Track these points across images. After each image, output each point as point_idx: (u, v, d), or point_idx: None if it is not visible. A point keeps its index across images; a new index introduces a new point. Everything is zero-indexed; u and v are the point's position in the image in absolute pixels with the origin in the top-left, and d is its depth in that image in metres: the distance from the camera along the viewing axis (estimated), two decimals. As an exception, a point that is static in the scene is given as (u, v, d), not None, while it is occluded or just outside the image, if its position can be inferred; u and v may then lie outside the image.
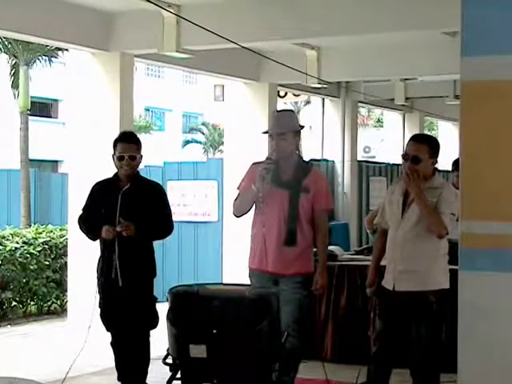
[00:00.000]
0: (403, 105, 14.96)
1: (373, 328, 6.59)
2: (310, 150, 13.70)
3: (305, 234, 5.81)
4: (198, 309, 4.81)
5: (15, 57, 18.45)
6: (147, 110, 39.91)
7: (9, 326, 10.79)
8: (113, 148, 6.19)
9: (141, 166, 6.35)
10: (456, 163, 6.97)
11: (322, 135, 14.61)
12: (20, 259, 11.03)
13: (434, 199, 5.49)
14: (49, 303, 11.89)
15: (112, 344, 6.27)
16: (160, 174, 12.78)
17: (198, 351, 4.70)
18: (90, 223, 6.21)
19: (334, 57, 11.26)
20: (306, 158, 6.18)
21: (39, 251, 11.36)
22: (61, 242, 11.59)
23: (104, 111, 9.42)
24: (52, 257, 11.59)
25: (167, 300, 4.92)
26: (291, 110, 6.57)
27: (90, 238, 6.28)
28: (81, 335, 7.00)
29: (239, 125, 11.83)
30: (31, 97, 19.34)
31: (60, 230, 12.02)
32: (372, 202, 14.87)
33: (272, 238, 5.76)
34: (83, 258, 8.83)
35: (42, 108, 33.18)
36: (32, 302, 11.69)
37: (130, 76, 9.62)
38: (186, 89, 42.37)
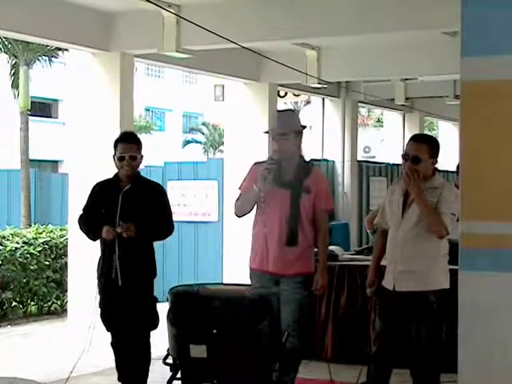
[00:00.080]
0: (403, 105, 14.96)
1: (373, 328, 6.59)
2: (310, 149, 13.70)
3: (306, 234, 5.81)
4: (198, 309, 4.81)
5: (15, 57, 18.45)
6: (147, 110, 39.93)
7: (9, 326, 10.79)
8: (113, 148, 6.19)
9: (141, 166, 6.34)
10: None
11: (322, 135, 14.61)
12: (20, 259, 11.03)
13: (434, 199, 5.50)
14: (49, 303, 11.89)
15: (112, 344, 6.27)
16: (160, 174, 12.78)
17: (198, 351, 4.70)
18: (90, 223, 6.21)
19: (334, 57, 11.26)
20: (307, 158, 6.17)
21: (39, 251, 11.36)
22: (61, 242, 11.60)
23: (104, 111, 9.42)
24: (52, 257, 11.60)
25: (167, 300, 4.92)
26: (293, 110, 6.57)
27: (90, 238, 6.28)
28: (81, 335, 7.01)
29: (239, 125, 11.84)
30: (31, 97, 19.35)
31: (60, 230, 12.02)
32: (372, 202, 14.87)
33: (273, 238, 5.76)
34: (83, 258, 8.84)
35: (42, 108, 33.18)
36: (32, 302, 11.69)
37: (130, 76, 9.62)
38: (186, 89, 42.38)
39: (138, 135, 6.50)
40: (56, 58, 19.87)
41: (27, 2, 8.35)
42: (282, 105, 15.56)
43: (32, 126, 20.38)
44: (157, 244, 6.30)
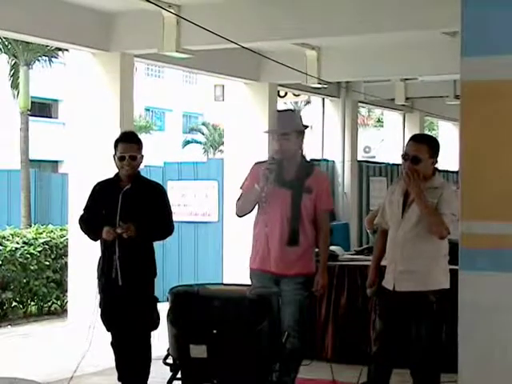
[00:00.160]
0: (403, 105, 14.95)
1: (373, 328, 6.59)
2: (310, 149, 13.70)
3: (307, 234, 5.81)
4: (198, 309, 4.81)
5: (15, 57, 18.45)
6: (147, 110, 39.93)
7: (9, 326, 10.79)
8: (114, 148, 6.19)
9: (141, 166, 6.34)
10: None
11: (322, 135, 14.61)
12: (20, 259, 11.03)
13: (434, 200, 5.49)
14: (49, 303, 11.88)
15: (112, 344, 6.27)
16: (160, 174, 12.77)
17: (198, 351, 4.70)
18: (90, 223, 6.21)
19: (334, 57, 11.26)
20: (307, 158, 6.17)
21: (39, 251, 11.36)
22: (61, 242, 11.59)
23: (104, 111, 9.42)
24: (52, 257, 11.59)
25: (167, 300, 4.92)
26: (295, 110, 6.57)
27: (91, 238, 6.28)
28: (81, 335, 7.01)
29: (239, 125, 11.83)
30: (31, 97, 19.35)
31: (60, 230, 12.02)
32: (372, 202, 14.87)
33: (274, 237, 5.76)
34: (83, 258, 8.84)
35: (42, 108, 33.18)
36: (32, 303, 11.68)
37: (130, 76, 9.62)
38: (186, 89, 42.38)
39: (138, 135, 6.50)
40: (56, 58, 19.88)
41: (27, 2, 8.35)
42: (282, 105, 15.56)
43: (32, 126, 20.38)
44: (157, 244, 6.30)
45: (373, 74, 12.17)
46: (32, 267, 11.22)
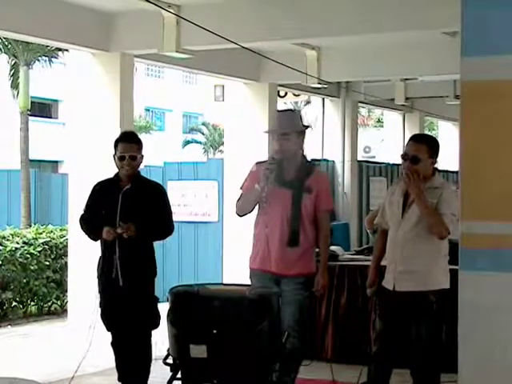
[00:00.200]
0: (403, 105, 14.95)
1: (373, 328, 6.59)
2: (310, 149, 13.70)
3: (307, 234, 5.81)
4: (198, 309, 4.81)
5: (15, 57, 18.46)
6: (147, 110, 39.93)
7: (9, 326, 10.79)
8: (114, 148, 6.19)
9: (141, 166, 6.34)
10: None
11: (322, 135, 14.61)
12: (20, 259, 11.03)
13: (434, 200, 5.49)
14: (49, 303, 11.89)
15: (112, 344, 6.27)
16: (160, 174, 12.78)
17: (198, 351, 4.70)
18: (91, 223, 6.21)
19: (334, 57, 11.26)
20: (308, 158, 6.17)
21: (39, 251, 11.36)
22: (61, 243, 11.60)
23: (104, 111, 9.42)
24: (52, 257, 11.60)
25: (167, 300, 4.92)
26: (295, 110, 6.56)
27: (91, 238, 6.28)
28: (81, 336, 7.00)
29: (239, 125, 11.83)
30: (31, 97, 19.35)
31: (60, 230, 12.02)
32: (372, 202, 14.87)
33: (275, 238, 5.75)
34: (83, 258, 8.84)
35: (42, 108, 33.19)
36: (32, 303, 11.69)
37: (130, 76, 9.62)
38: (186, 89, 42.38)
39: (138, 135, 6.50)
40: (56, 58, 19.88)
41: (27, 2, 8.35)
42: (282, 105, 15.55)
43: (32, 126, 20.39)
44: (157, 244, 6.30)
45: (373, 74, 12.16)
46: (32, 267, 11.22)
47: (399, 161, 5.74)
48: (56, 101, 33.58)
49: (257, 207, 5.88)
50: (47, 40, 9.41)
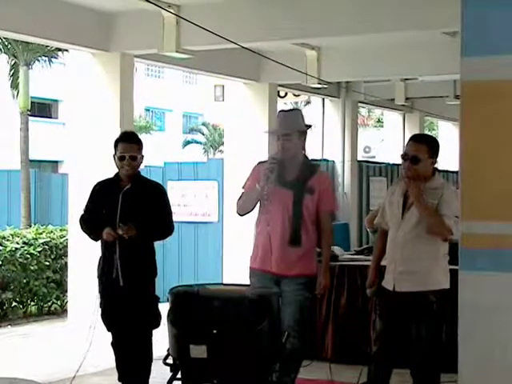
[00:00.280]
0: (403, 105, 14.95)
1: (373, 328, 6.59)
2: (310, 150, 13.69)
3: (309, 234, 5.79)
4: (198, 309, 4.80)
5: (15, 57, 18.45)
6: (147, 110, 39.93)
7: (9, 326, 10.78)
8: (114, 148, 6.19)
9: (141, 167, 6.34)
10: None
11: (322, 135, 14.61)
12: (20, 260, 11.03)
13: (435, 201, 5.48)
14: (49, 304, 11.88)
15: (112, 344, 6.27)
16: (160, 175, 12.78)
17: (198, 351, 4.70)
18: (91, 224, 6.21)
19: (334, 57, 11.26)
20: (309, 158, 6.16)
21: (39, 252, 11.36)
22: (61, 243, 11.59)
23: (104, 111, 9.43)
24: (52, 257, 11.59)
25: (167, 300, 4.92)
26: (297, 110, 6.53)
27: (91, 238, 6.28)
28: (81, 336, 7.00)
29: (239, 125, 11.84)
30: (31, 97, 19.35)
31: (60, 230, 12.02)
32: (372, 202, 14.88)
33: (276, 237, 5.74)
34: (83, 258, 8.84)
35: (42, 108, 33.19)
36: (32, 303, 11.68)
37: (130, 76, 9.63)
38: (186, 89, 42.38)
39: (138, 135, 6.50)
40: (56, 58, 19.88)
41: (27, 2, 8.35)
42: (282, 105, 15.56)
43: (32, 126, 20.39)
44: (157, 244, 6.30)
45: (373, 74, 12.17)
46: (32, 267, 11.22)
47: (399, 161, 5.74)
48: (56, 101, 33.58)
49: (258, 207, 5.87)
50: (47, 40, 9.41)
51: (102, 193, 6.24)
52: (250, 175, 5.93)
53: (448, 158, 13.61)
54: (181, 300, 4.89)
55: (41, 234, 11.74)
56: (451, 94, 14.36)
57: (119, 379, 6.25)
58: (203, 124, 40.42)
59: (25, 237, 11.41)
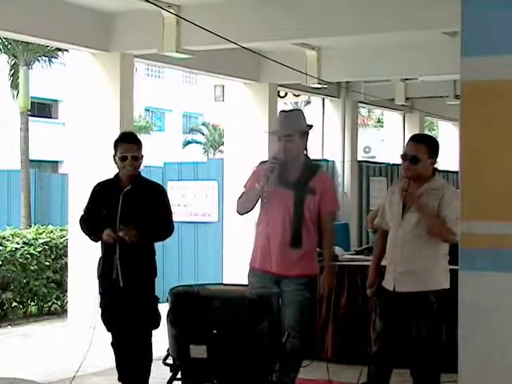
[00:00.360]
0: (403, 105, 14.96)
1: (373, 328, 6.58)
2: (310, 150, 13.69)
3: (310, 235, 5.78)
4: (198, 309, 4.80)
5: (15, 57, 18.46)
6: (147, 110, 39.94)
7: (9, 326, 10.79)
8: (114, 148, 6.18)
9: (141, 167, 6.34)
10: None
11: (322, 135, 14.61)
12: (20, 260, 11.03)
13: (435, 202, 5.48)
14: (49, 304, 11.89)
15: (112, 344, 6.27)
16: (160, 175, 12.78)
17: (198, 351, 4.70)
18: (91, 224, 6.21)
19: (334, 57, 11.26)
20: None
21: (39, 252, 11.36)
22: (61, 243, 11.60)
23: (104, 111, 9.43)
24: (52, 257, 11.60)
25: (167, 300, 4.92)
26: (299, 110, 6.53)
27: (91, 239, 6.27)
28: (81, 336, 7.00)
29: (239, 125, 11.84)
30: (31, 97, 19.35)
31: (60, 230, 12.02)
32: (372, 202, 14.88)
33: (276, 237, 5.73)
34: (83, 258, 8.84)
35: (42, 108, 33.20)
36: (32, 303, 11.69)
37: (130, 76, 9.63)
38: (186, 89, 42.39)
39: (138, 135, 6.50)
40: (56, 58, 19.88)
41: (27, 2, 8.35)
42: (282, 105, 15.57)
43: (32, 126, 20.39)
44: (157, 244, 6.30)
45: (373, 74, 12.17)
46: (32, 267, 11.22)
47: (399, 161, 5.74)
48: (56, 101, 33.59)
49: (259, 207, 5.87)
50: (47, 40, 9.41)
51: (102, 193, 6.24)
52: (252, 175, 5.93)
53: (448, 158, 13.62)
54: (181, 300, 4.89)
55: (41, 234, 11.74)
56: (451, 94, 14.36)
57: (119, 379, 6.25)
58: (203, 124, 40.42)
59: (25, 237, 11.42)
